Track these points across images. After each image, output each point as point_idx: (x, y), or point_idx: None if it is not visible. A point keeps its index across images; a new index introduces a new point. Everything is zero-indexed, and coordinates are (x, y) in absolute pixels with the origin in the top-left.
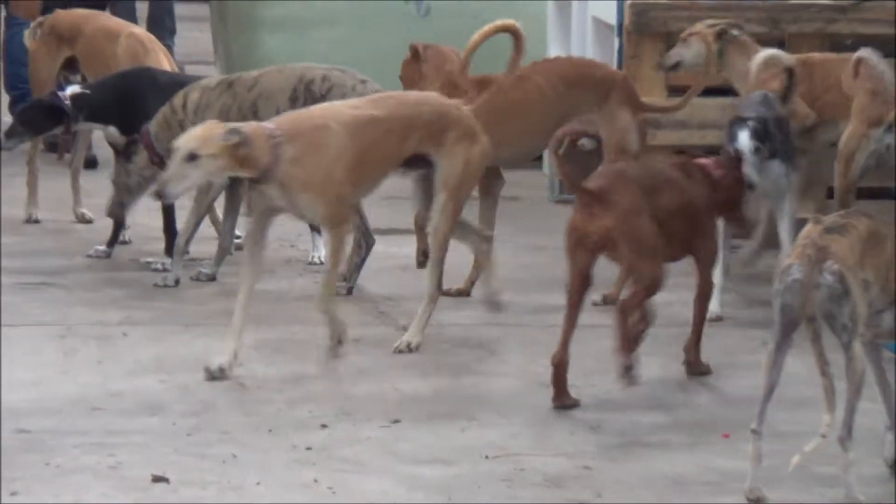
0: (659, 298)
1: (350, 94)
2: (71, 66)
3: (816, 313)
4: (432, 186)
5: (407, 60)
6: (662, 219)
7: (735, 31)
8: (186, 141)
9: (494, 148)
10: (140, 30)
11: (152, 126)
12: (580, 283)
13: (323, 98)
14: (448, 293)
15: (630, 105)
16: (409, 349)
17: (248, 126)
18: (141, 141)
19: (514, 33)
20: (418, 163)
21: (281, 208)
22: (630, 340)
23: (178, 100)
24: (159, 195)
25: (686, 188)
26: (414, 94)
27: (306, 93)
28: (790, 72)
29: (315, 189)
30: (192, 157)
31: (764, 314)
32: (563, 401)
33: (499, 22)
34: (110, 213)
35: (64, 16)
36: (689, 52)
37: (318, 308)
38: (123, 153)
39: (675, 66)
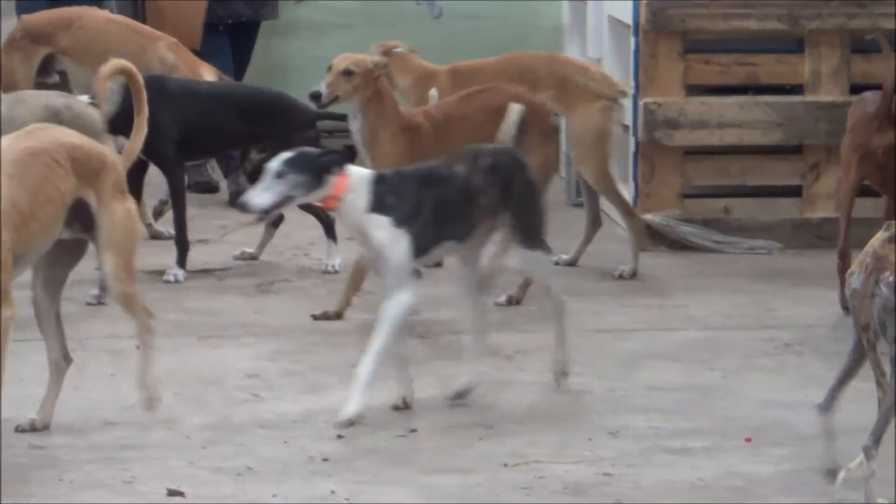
0: (677, 303)
1: (93, 124)
2: (45, 68)
3: (872, 322)
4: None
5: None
6: None
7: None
8: None
9: None
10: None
11: None
12: (853, 194)
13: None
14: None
15: (536, 131)
16: None
17: None
18: None
19: (128, 76)
20: (77, 222)
21: None
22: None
23: None
24: None
25: None
26: (64, 129)
27: (56, 122)
28: None
29: None
30: None
31: (781, 316)
32: None
33: (113, 64)
34: None
35: (35, 17)
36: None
37: None
38: None
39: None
